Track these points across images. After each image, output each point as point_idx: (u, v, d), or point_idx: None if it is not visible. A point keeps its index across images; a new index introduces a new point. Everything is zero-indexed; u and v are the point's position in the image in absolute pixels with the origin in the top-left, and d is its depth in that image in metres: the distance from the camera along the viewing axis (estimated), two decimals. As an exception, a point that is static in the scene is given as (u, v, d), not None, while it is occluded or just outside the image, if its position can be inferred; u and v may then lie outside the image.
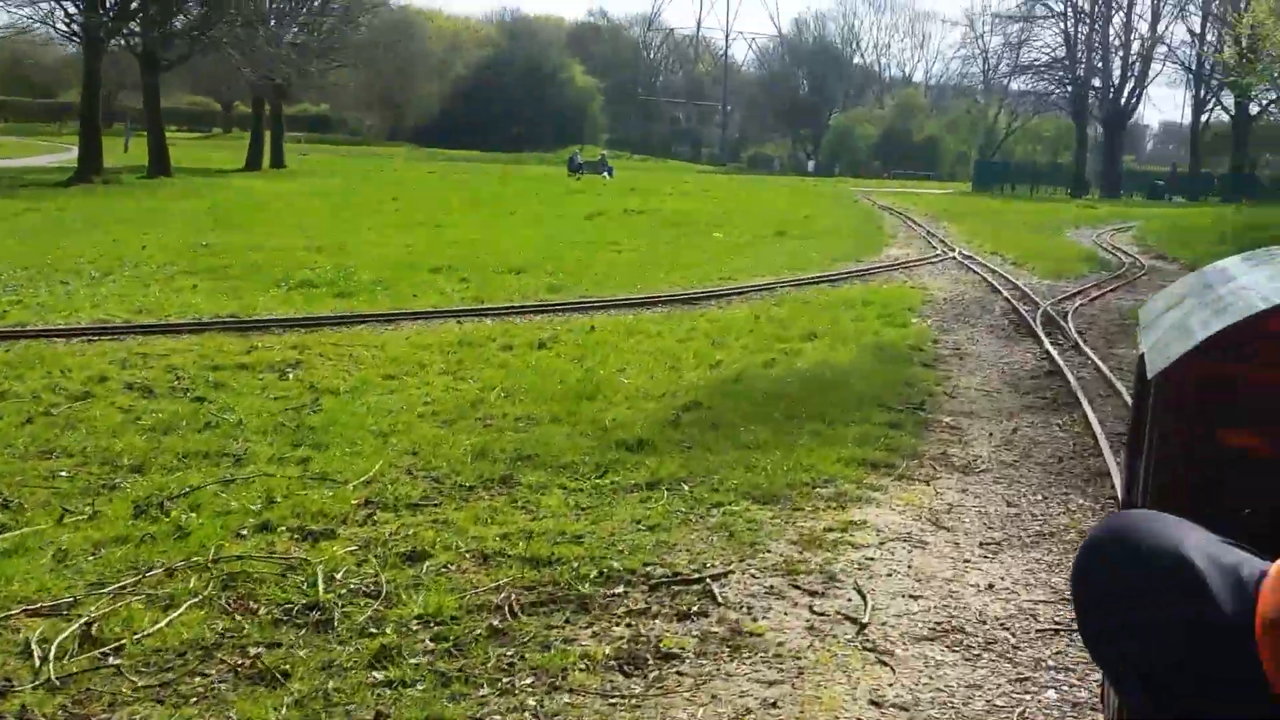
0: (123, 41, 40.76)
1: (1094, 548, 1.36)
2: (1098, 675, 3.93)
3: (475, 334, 11.60)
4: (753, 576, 5.29)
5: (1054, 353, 11.37)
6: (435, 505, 6.21)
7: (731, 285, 16.54)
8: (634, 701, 4.14)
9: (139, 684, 4.16)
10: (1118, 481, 6.58)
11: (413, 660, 4.38)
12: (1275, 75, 54.91)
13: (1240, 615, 1.16)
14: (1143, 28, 68.93)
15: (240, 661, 4.36)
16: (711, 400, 8.75)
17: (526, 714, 4.04)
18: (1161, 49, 69.23)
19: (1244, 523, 1.86)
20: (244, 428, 7.69)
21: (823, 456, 7.20)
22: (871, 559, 5.57)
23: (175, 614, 4.68)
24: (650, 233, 25.71)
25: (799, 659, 4.49)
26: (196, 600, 4.84)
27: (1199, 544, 1.26)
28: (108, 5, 36.95)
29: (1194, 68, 68.68)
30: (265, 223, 24.60)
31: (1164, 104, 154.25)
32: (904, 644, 4.67)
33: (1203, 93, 70.24)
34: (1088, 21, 67.73)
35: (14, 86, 79.43)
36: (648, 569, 5.34)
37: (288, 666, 4.30)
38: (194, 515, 5.84)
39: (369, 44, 62.25)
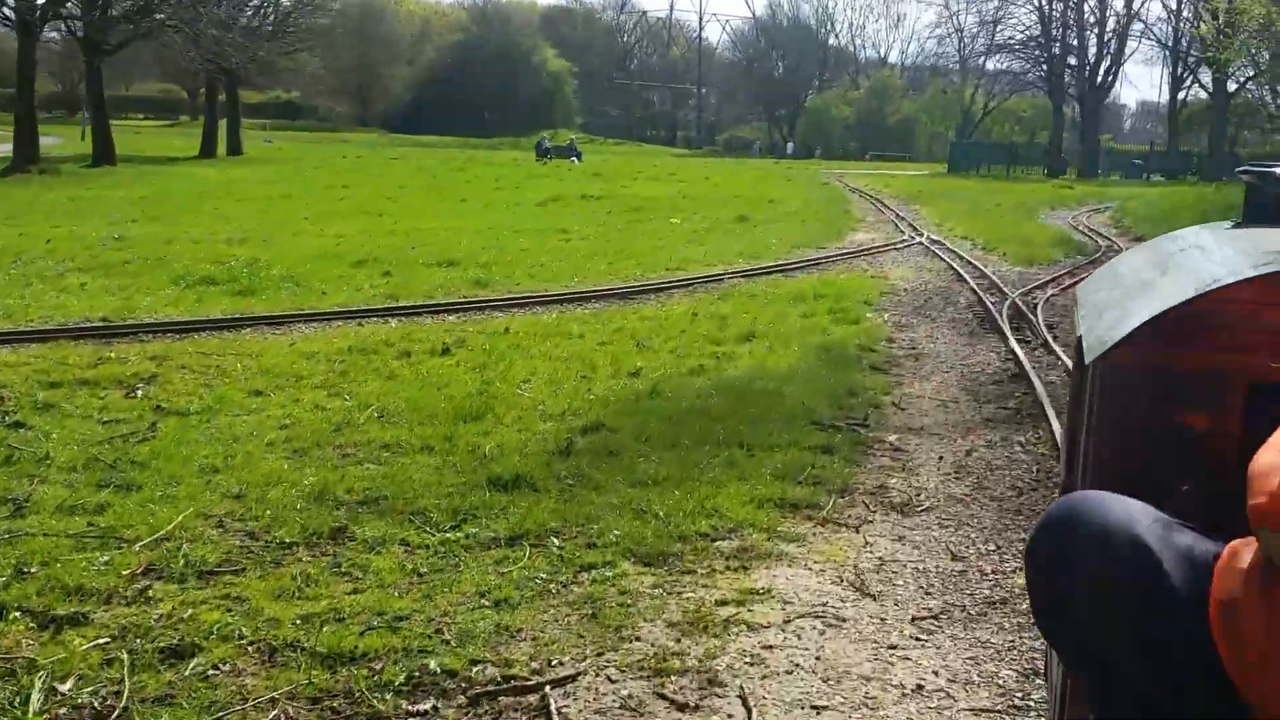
0: (63, 26, 39.27)
1: (1048, 529, 1.46)
2: None
3: (373, 338, 10.32)
4: (609, 680, 4.04)
5: (1020, 353, 10.16)
6: (235, 572, 4.94)
7: (677, 277, 15.30)
8: None
9: None
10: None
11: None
12: (1253, 51, 53.96)
13: (1194, 595, 1.28)
14: (1118, 4, 67.81)
15: None
16: (617, 419, 7.49)
17: None
18: (1137, 25, 68.24)
19: (1184, 498, 1.83)
20: (49, 463, 6.41)
21: (733, 495, 5.96)
22: (770, 647, 4.32)
23: None
24: (605, 219, 24.47)
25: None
26: None
27: (1152, 525, 1.38)
28: (42, -13, 35.46)
29: (1170, 44, 67.65)
30: (195, 213, 23.23)
31: (1141, 82, 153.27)
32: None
33: (1180, 70, 69.26)
34: (1063, -2, 66.56)
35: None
36: (475, 669, 4.09)
37: None
38: (-91, 595, 4.58)
39: (326, 28, 60.38)
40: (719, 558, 5.17)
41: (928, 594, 4.92)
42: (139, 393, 8.13)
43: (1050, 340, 10.94)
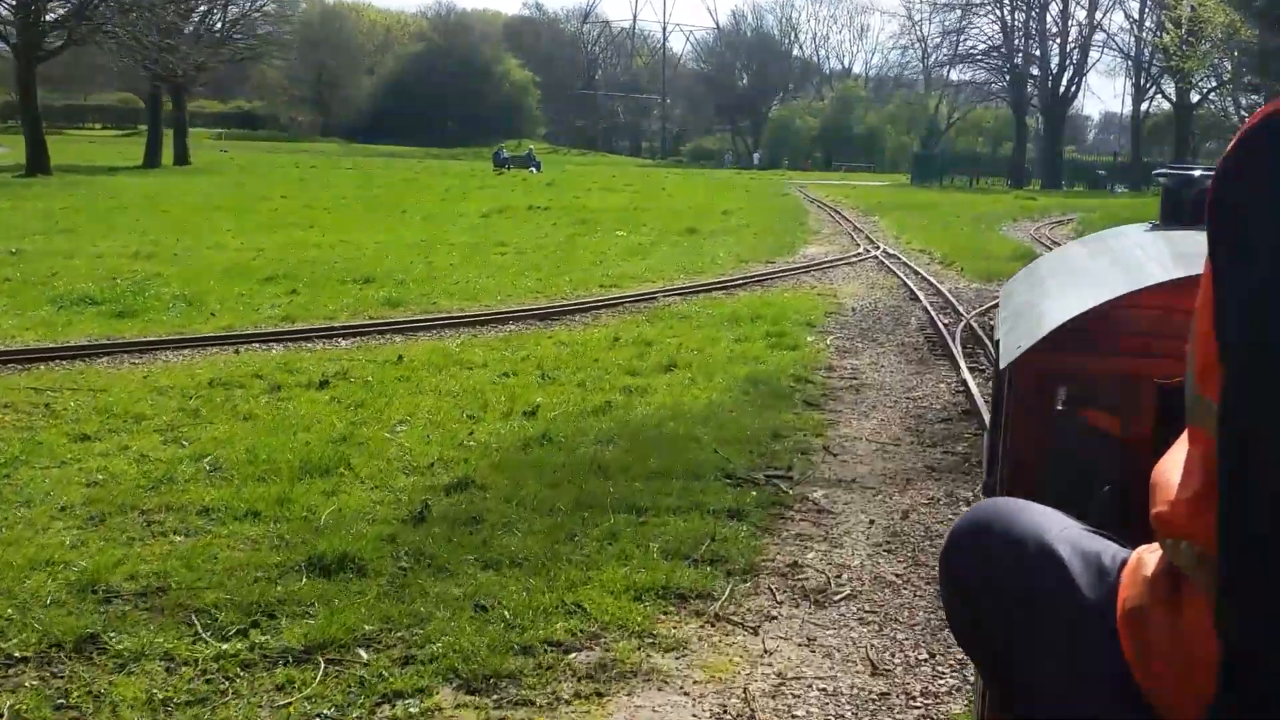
0: (-4, 31, 37.86)
1: (960, 538, 1.51)
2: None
3: (244, 369, 9.11)
4: None
5: (971, 384, 9.05)
6: (-77, 708, 3.74)
7: (609, 295, 14.15)
8: None
9: None
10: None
11: None
12: (1216, 61, 53.42)
13: (1103, 602, 1.30)
14: (1080, 14, 67.19)
15: None
16: (492, 474, 6.31)
17: None
18: (1100, 36, 67.71)
19: (1100, 501, 1.84)
20: None
21: (606, 583, 4.79)
22: (608, 830, 3.17)
23: None
24: (549, 232, 23.30)
25: None
26: None
27: (1062, 532, 1.40)
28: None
29: (1133, 55, 67.23)
30: (111, 225, 21.88)
31: (1103, 93, 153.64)
32: None
33: (1143, 81, 68.91)
34: (1024, 8, 65.82)
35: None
36: None
37: None
38: None
39: (277, 34, 58.92)
40: (569, 679, 4.00)
41: (835, 730, 3.77)
42: (-62, 440, 6.91)
43: (1007, 368, 9.83)
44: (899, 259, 19.42)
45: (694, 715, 3.80)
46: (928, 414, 8.48)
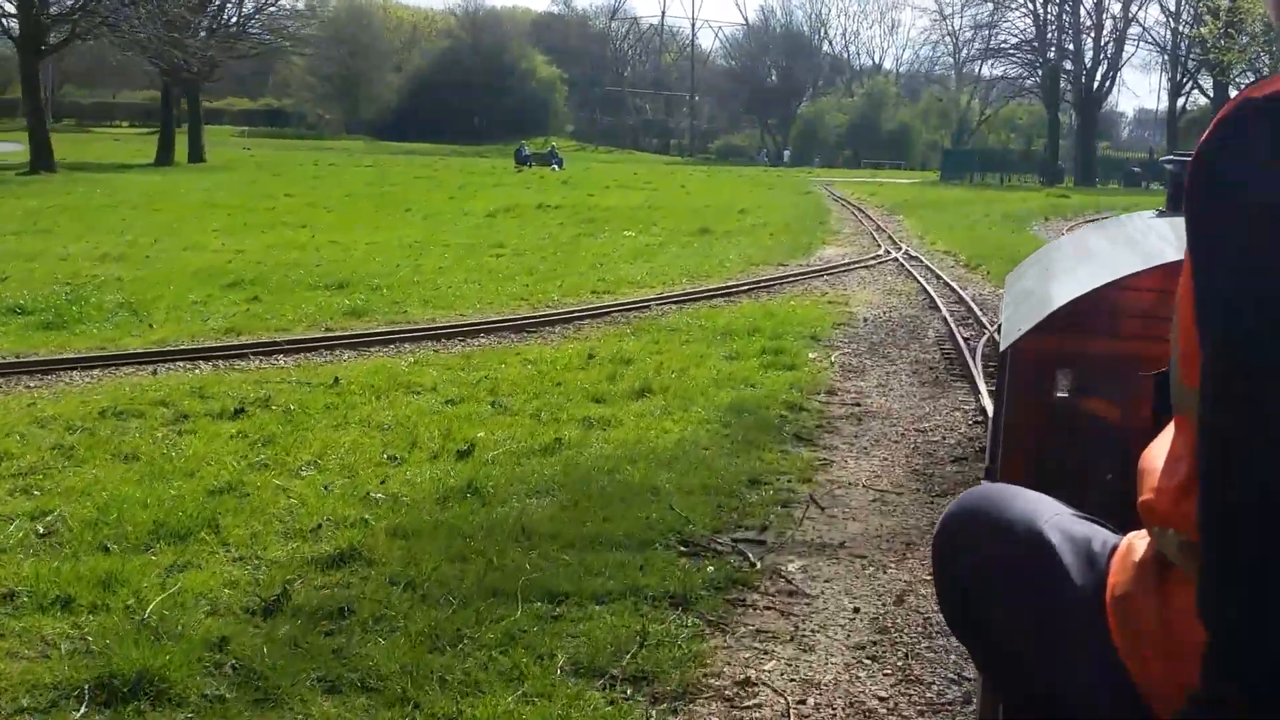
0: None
1: (951, 525, 1.52)
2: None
3: (150, 393, 7.92)
4: None
5: (991, 412, 7.74)
6: None
7: (600, 302, 12.92)
8: None
9: None
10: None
11: None
12: (1254, 56, 51.62)
13: (1092, 589, 1.31)
14: (1115, 8, 65.39)
15: None
16: (388, 543, 5.07)
17: None
18: (1135, 29, 65.90)
19: (1108, 487, 1.83)
20: None
21: (484, 713, 3.56)
22: None
23: None
24: (554, 232, 22.11)
25: None
26: None
27: (1053, 518, 1.41)
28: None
29: (1169, 49, 65.42)
30: (92, 224, 20.82)
31: (1139, 88, 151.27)
32: None
33: (1179, 75, 67.14)
34: (1057, 1, 64.10)
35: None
36: None
37: None
38: None
39: (294, 32, 57.92)
40: None
41: None
42: None
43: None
44: (920, 261, 18.10)
45: None
46: (938, 451, 7.20)
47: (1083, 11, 64.97)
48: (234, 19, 51.73)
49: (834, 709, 3.81)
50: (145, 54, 38.76)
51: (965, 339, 10.78)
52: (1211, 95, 63.28)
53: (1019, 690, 1.42)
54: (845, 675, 4.06)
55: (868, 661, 4.17)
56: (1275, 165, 1.02)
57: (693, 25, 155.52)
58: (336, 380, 8.40)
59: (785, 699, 3.84)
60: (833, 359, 10.00)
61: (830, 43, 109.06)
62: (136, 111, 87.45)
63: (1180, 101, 68.85)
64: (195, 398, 7.81)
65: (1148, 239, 2.37)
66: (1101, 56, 65.02)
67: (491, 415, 7.52)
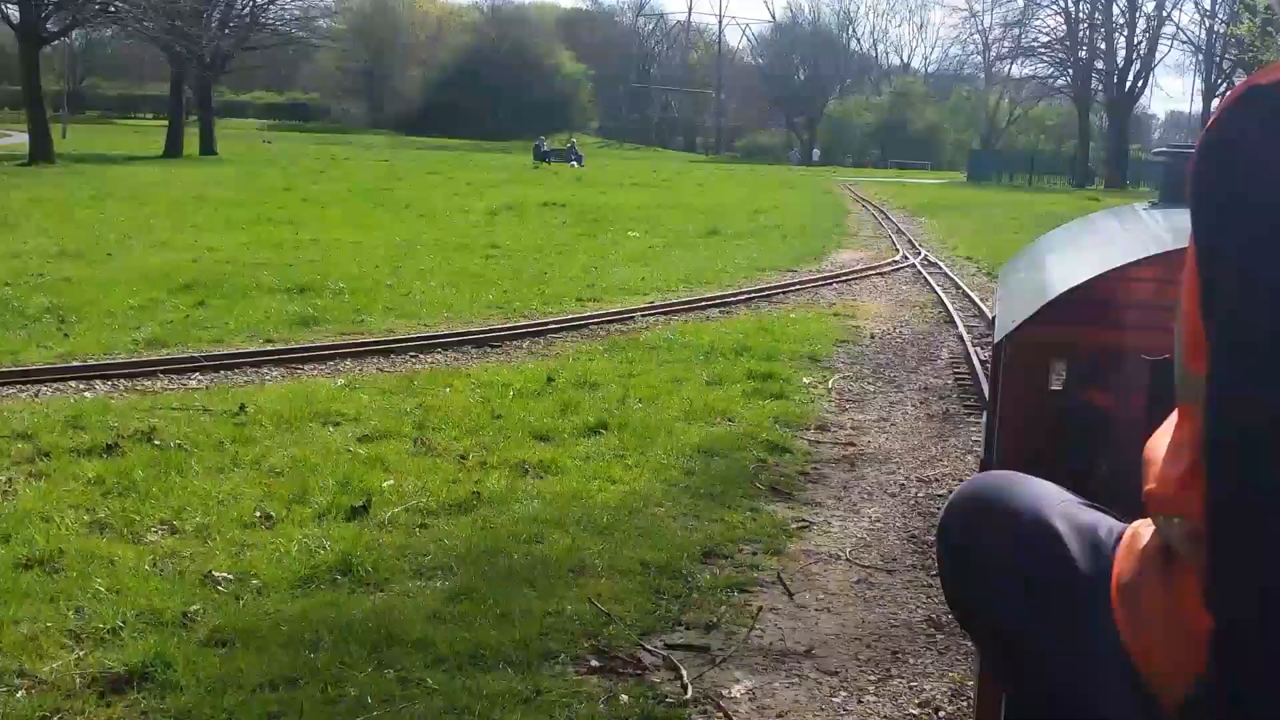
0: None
1: (956, 510, 1.50)
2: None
3: (11, 423, 6.69)
4: None
5: (1012, 462, 6.48)
6: None
7: (582, 312, 11.69)
8: None
9: None
10: None
11: None
12: (1295, 56, 50.02)
13: (1097, 576, 1.27)
14: (1148, 6, 63.58)
15: None
16: (198, 657, 3.83)
17: None
18: (1169, 28, 64.10)
19: (1105, 476, 1.77)
20: None
21: None
22: None
23: None
24: (554, 231, 20.94)
25: None
26: None
27: (1059, 505, 1.38)
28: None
29: (1203, 48, 63.66)
30: (60, 218, 19.73)
31: (1171, 89, 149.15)
32: None
33: (1213, 76, 65.38)
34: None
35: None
36: None
37: None
38: None
39: (311, 25, 56.95)
40: None
41: None
42: None
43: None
44: (939, 268, 16.78)
45: None
46: (943, 505, 5.93)
47: (1115, 9, 63.21)
48: (246, 10, 50.73)
49: None
50: (155, 44, 37.70)
51: (983, 361, 9.49)
52: (1248, 97, 61.57)
53: (1022, 677, 1.40)
54: None
55: None
56: None
57: (719, 22, 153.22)
58: (243, 408, 7.19)
59: None
60: (830, 385, 8.74)
61: (858, 41, 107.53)
62: (160, 104, 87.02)
63: (1214, 104, 67.14)
64: (67, 429, 6.62)
65: (1140, 230, 2.36)
66: (1134, 55, 63.25)
67: (409, 457, 6.29)
